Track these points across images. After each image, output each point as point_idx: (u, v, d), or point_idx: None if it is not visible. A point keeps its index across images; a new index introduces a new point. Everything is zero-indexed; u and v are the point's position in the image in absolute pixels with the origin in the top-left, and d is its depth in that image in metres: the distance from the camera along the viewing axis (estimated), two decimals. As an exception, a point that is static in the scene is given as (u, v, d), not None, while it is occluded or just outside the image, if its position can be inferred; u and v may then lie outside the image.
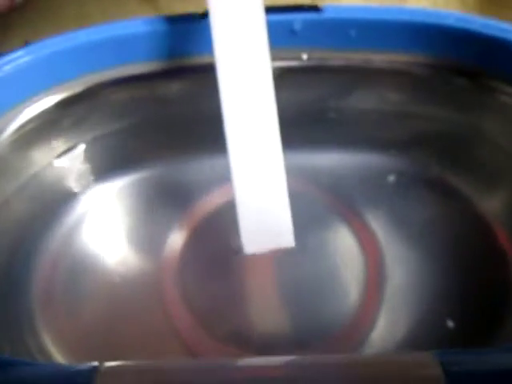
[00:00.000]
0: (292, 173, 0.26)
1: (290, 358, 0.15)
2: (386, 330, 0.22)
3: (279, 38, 0.23)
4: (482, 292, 0.22)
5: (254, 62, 0.21)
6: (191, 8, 0.23)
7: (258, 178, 0.21)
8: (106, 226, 0.25)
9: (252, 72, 0.21)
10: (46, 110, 0.23)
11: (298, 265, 0.23)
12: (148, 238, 0.24)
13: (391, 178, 0.26)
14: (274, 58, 0.24)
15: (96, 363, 0.14)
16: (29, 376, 0.14)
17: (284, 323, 0.22)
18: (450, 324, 0.21)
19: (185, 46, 0.24)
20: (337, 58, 0.24)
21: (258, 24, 0.21)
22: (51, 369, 0.15)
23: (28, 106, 0.23)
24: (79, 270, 0.23)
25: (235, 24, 0.21)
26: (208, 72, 0.22)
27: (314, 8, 0.23)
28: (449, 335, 0.21)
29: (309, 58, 0.24)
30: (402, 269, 0.23)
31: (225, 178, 0.22)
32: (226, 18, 0.21)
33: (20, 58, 0.22)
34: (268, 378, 0.13)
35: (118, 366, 0.14)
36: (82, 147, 0.25)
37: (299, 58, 0.24)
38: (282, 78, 0.25)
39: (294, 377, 0.13)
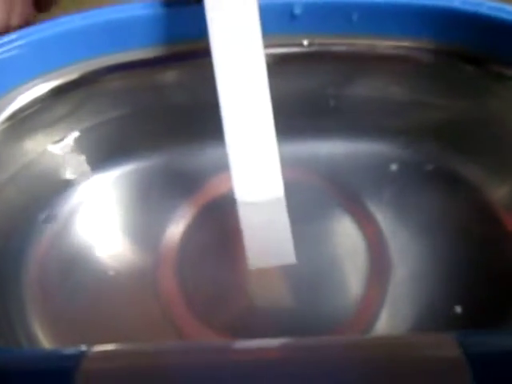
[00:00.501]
0: (292, 162, 0.25)
1: (307, 340, 0.15)
2: (390, 320, 0.21)
3: (279, 22, 0.23)
4: (490, 278, 0.21)
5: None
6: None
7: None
8: (101, 216, 0.24)
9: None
10: (40, 97, 0.23)
11: (299, 255, 0.22)
12: (145, 229, 0.24)
13: (394, 167, 0.25)
14: (273, 45, 0.23)
15: (84, 347, 0.13)
16: (16, 361, 0.13)
17: (284, 315, 0.22)
18: (458, 310, 0.21)
19: (183, 31, 0.23)
20: (339, 43, 0.24)
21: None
22: (38, 353, 0.15)
23: (21, 93, 0.22)
24: (74, 260, 0.23)
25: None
26: (206, 57, 0.21)
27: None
28: (457, 322, 0.21)
29: (310, 44, 0.24)
30: (407, 259, 0.22)
31: (224, 167, 0.21)
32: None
33: (12, 42, 0.21)
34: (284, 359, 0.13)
35: (105, 350, 0.13)
36: (76, 136, 0.24)
37: (300, 44, 0.24)
38: (281, 65, 0.24)
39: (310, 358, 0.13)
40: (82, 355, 0.13)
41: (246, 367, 0.12)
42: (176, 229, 0.24)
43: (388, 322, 0.21)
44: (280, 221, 0.21)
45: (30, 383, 0.12)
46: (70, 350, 0.13)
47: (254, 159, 0.21)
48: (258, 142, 0.21)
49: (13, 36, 0.21)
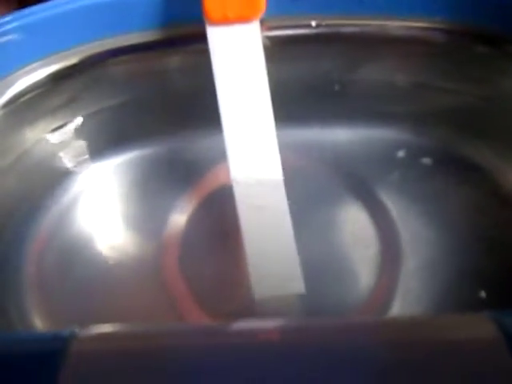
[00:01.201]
0: (300, 149, 0.24)
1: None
2: (405, 308, 0.21)
3: (285, 3, 0.22)
4: (508, 262, 0.21)
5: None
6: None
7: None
8: (102, 205, 0.24)
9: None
10: (39, 82, 0.22)
11: (308, 243, 0.22)
12: (146, 218, 0.23)
13: (404, 153, 0.24)
14: (279, 26, 0.23)
15: (74, 329, 0.13)
16: (4, 343, 0.13)
17: (291, 304, 0.21)
18: (483, 294, 0.20)
19: (184, 14, 0.22)
20: (348, 24, 0.23)
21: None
22: (28, 335, 0.14)
23: (19, 78, 0.22)
24: (74, 249, 0.22)
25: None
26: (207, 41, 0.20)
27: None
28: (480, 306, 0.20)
29: (318, 26, 0.23)
30: (419, 246, 0.22)
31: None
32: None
33: (8, 24, 0.20)
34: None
35: (96, 332, 0.13)
36: (77, 123, 0.24)
37: (307, 26, 0.23)
38: (287, 47, 0.23)
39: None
40: (72, 337, 0.12)
41: (245, 348, 0.12)
42: (178, 217, 0.23)
43: (403, 311, 0.20)
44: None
45: (19, 365, 0.11)
46: (59, 332, 0.13)
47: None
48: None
49: (8, 18, 0.20)
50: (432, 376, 0.11)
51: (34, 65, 0.22)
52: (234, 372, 0.11)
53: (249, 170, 0.21)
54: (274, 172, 0.21)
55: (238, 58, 0.20)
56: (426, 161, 0.24)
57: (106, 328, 0.13)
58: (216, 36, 0.20)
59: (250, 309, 0.20)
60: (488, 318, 0.12)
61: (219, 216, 0.23)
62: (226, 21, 0.20)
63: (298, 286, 0.19)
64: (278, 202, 0.20)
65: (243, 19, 0.20)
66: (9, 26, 0.20)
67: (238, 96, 0.20)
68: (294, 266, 0.20)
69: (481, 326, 0.12)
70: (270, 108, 0.21)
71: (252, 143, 0.21)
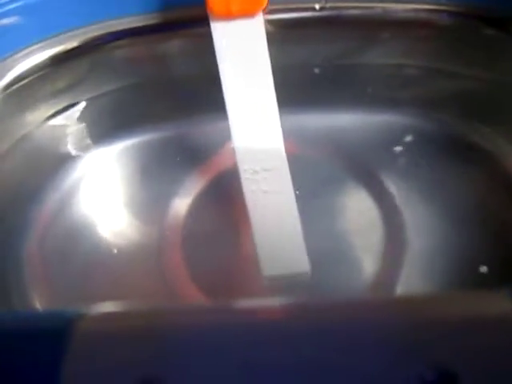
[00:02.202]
0: (305, 135, 0.24)
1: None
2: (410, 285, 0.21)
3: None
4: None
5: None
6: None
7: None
8: (104, 190, 0.23)
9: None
10: (39, 65, 0.22)
11: (314, 229, 0.22)
12: (149, 203, 0.23)
13: (409, 138, 0.24)
14: (282, 10, 0.22)
15: (80, 309, 0.12)
16: (10, 322, 0.13)
17: (296, 291, 0.21)
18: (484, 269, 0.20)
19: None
20: (354, 7, 0.22)
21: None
22: (34, 314, 0.14)
23: (19, 61, 0.21)
24: (75, 234, 0.22)
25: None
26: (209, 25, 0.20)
27: None
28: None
29: (322, 8, 0.22)
30: (424, 230, 0.22)
31: (230, 140, 0.20)
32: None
33: (7, 5, 0.20)
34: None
35: (101, 312, 0.13)
36: (78, 107, 0.23)
37: (311, 9, 0.22)
38: (291, 31, 0.23)
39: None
40: (77, 317, 0.12)
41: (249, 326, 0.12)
42: (181, 202, 0.23)
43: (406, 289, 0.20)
44: (285, 190, 0.20)
45: (24, 346, 0.11)
46: (64, 312, 0.13)
47: (257, 132, 0.21)
48: (259, 111, 0.21)
49: (8, -1, 0.20)
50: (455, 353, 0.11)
51: (34, 47, 0.21)
52: (234, 349, 0.11)
53: (254, 155, 0.21)
54: (278, 156, 0.21)
55: (242, 52, 0.20)
56: (435, 146, 0.24)
57: (108, 307, 0.13)
58: (220, 30, 0.20)
59: (257, 295, 0.20)
60: (504, 294, 0.12)
61: (223, 201, 0.23)
62: (229, 15, 0.20)
63: (303, 265, 0.20)
64: (283, 187, 0.20)
65: (247, 13, 0.20)
66: (7, 8, 0.20)
67: (244, 90, 0.20)
68: (299, 246, 0.20)
69: (498, 302, 0.12)
70: (274, 100, 0.20)
71: (257, 132, 0.21)
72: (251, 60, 0.20)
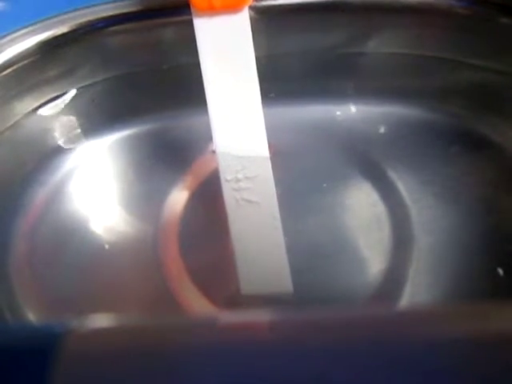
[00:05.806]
0: (306, 126, 0.23)
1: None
2: (419, 289, 0.20)
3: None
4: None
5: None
6: None
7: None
8: (95, 184, 0.22)
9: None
10: (27, 51, 0.21)
11: (315, 226, 0.21)
12: (142, 198, 0.22)
13: (416, 131, 0.22)
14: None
15: (68, 322, 0.12)
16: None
17: (294, 290, 0.20)
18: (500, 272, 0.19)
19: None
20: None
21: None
22: (23, 327, 0.13)
23: (6, 47, 0.20)
24: (65, 231, 0.21)
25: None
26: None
27: None
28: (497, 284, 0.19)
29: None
30: (432, 226, 0.21)
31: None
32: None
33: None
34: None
35: (89, 327, 0.12)
36: (69, 96, 0.22)
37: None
38: (292, 18, 0.21)
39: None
40: (65, 332, 0.11)
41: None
42: (176, 196, 0.22)
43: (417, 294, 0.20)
44: (269, 200, 0.19)
45: (12, 361, 0.11)
46: (53, 326, 0.12)
47: (237, 118, 0.20)
48: (241, 101, 0.20)
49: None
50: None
51: (21, 32, 0.20)
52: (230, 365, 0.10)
53: (237, 162, 0.20)
54: (261, 150, 0.20)
55: (225, 50, 0.19)
56: (442, 139, 0.23)
57: (98, 321, 0.12)
58: (202, 26, 0.19)
59: (255, 296, 0.19)
60: None
61: (219, 194, 0.22)
62: (212, 10, 0.19)
63: (285, 283, 0.19)
64: (267, 197, 0.19)
65: (230, 8, 0.19)
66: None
67: (226, 92, 0.20)
68: (282, 263, 0.19)
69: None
70: (259, 101, 0.20)
71: (241, 137, 0.20)
72: (235, 58, 0.19)
